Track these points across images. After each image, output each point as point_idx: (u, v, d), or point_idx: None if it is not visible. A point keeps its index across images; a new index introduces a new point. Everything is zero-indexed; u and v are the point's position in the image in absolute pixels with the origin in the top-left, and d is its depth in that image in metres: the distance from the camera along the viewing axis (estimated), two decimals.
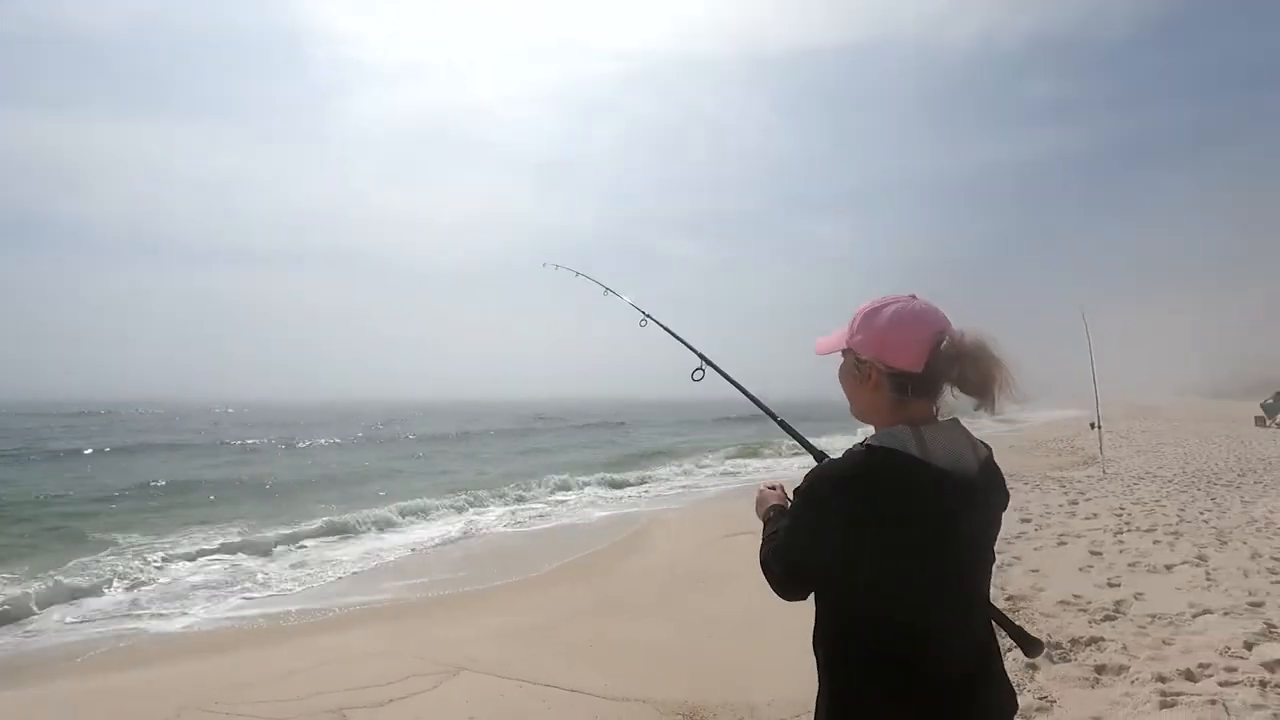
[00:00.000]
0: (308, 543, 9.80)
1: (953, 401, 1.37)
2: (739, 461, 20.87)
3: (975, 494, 1.30)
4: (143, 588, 7.62)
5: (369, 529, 10.77)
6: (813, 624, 1.37)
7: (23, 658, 5.73)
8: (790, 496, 1.49)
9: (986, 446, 1.40)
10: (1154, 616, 4.97)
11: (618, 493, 14.86)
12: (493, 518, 11.78)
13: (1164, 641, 4.47)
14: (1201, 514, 8.48)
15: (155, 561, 8.68)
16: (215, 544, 9.59)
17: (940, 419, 1.35)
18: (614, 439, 32.86)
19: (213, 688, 4.70)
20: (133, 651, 5.80)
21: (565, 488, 15.33)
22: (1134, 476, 12.49)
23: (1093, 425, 13.92)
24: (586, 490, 15.12)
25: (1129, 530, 7.70)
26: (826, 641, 1.34)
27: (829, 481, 1.28)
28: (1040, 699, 3.81)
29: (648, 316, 2.82)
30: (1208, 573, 5.92)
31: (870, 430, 1.39)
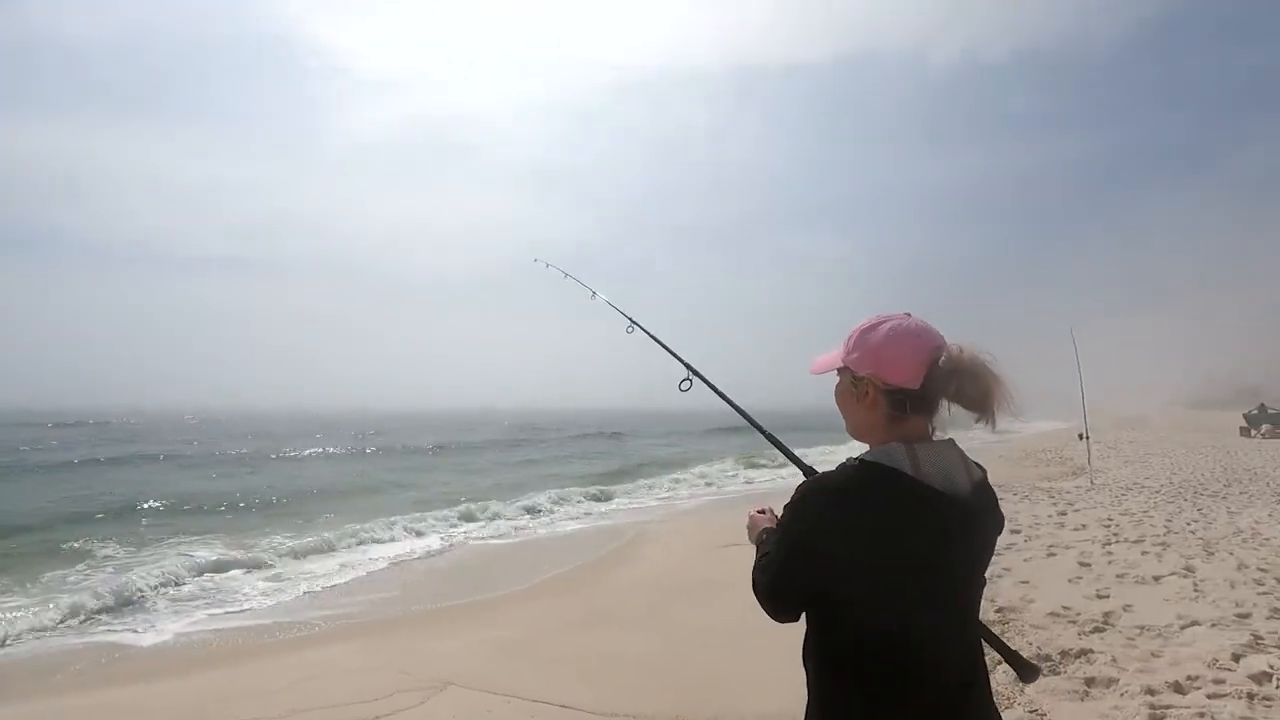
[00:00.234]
0: (290, 556, 9.67)
1: (949, 419, 1.36)
2: (733, 473, 20.82)
3: (966, 514, 1.28)
4: (118, 601, 7.44)
5: (353, 541, 10.64)
6: (802, 637, 1.36)
7: None
8: (780, 514, 1.47)
9: (981, 468, 1.39)
10: (1142, 628, 4.97)
11: (608, 504, 14.80)
12: (481, 530, 11.69)
13: (1153, 654, 4.47)
14: (1188, 525, 8.53)
15: (132, 575, 8.56)
16: (195, 556, 9.47)
17: (936, 438, 1.34)
18: (607, 450, 32.72)
19: (194, 704, 4.63)
20: (109, 668, 5.70)
21: (556, 499, 15.26)
22: (1122, 487, 12.57)
23: (1081, 436, 14.01)
24: (577, 502, 15.05)
25: (1117, 541, 7.73)
26: (816, 654, 1.32)
27: (821, 494, 1.27)
28: (1030, 712, 3.80)
29: (634, 323, 2.81)
30: (1195, 584, 5.94)
31: (864, 447, 1.38)
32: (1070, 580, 6.35)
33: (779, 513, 1.48)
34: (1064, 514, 9.56)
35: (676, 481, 18.83)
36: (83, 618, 6.94)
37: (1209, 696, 3.76)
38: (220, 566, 9.05)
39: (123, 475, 21.58)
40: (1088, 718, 3.73)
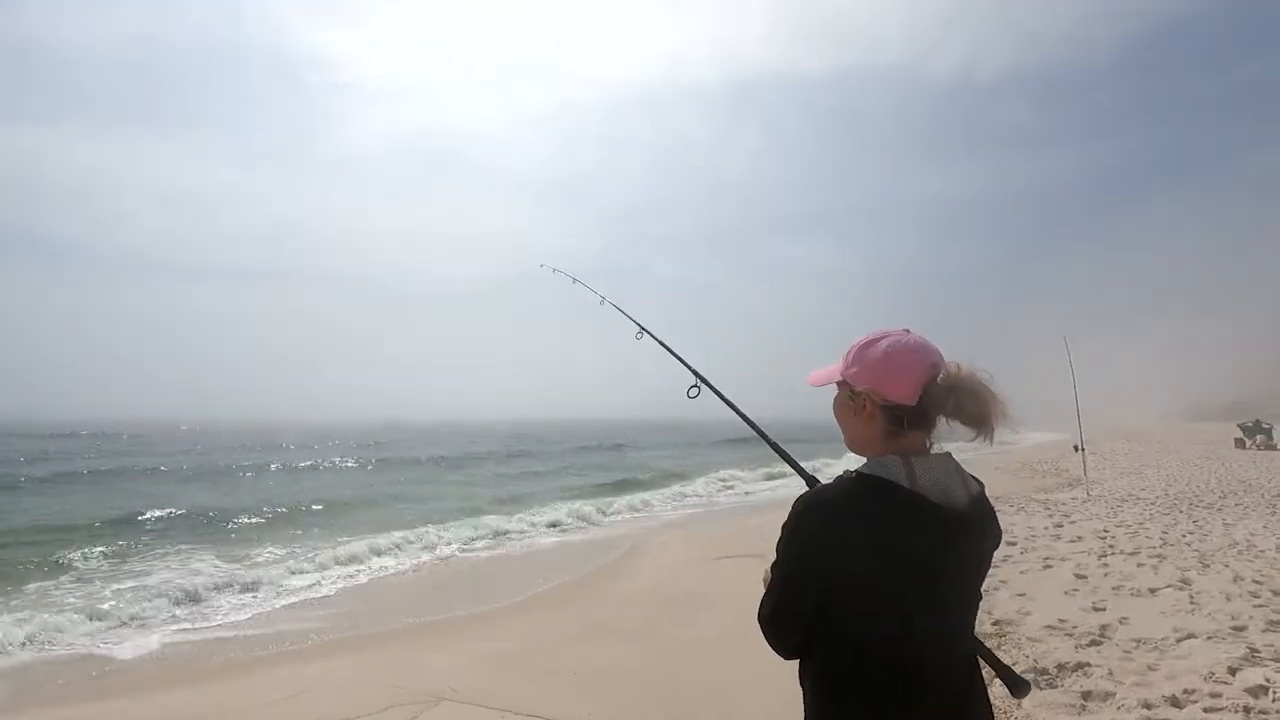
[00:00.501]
0: (283, 568, 9.60)
1: (946, 432, 1.36)
2: (732, 484, 20.76)
3: (963, 526, 1.29)
4: (103, 613, 7.37)
5: (347, 554, 10.58)
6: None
7: None
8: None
9: (979, 482, 1.39)
10: (1139, 641, 4.96)
11: (604, 516, 14.73)
12: (478, 542, 11.63)
13: (1149, 667, 4.46)
14: (1184, 536, 8.52)
15: (119, 586, 8.52)
16: (186, 567, 9.42)
17: (933, 451, 1.35)
18: (608, 461, 32.60)
19: (184, 718, 4.59)
20: (96, 680, 5.65)
21: (555, 511, 15.21)
22: (1118, 499, 12.56)
23: (1076, 448, 14.01)
24: (575, 513, 15.00)
25: (1113, 553, 7.72)
26: (813, 670, 1.32)
27: (818, 507, 1.28)
28: None
29: (643, 329, 2.81)
30: (1191, 596, 5.93)
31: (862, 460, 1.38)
32: (1066, 592, 6.33)
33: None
34: (1060, 526, 9.55)
35: (674, 493, 18.79)
36: (67, 629, 6.86)
37: (1205, 710, 3.75)
38: (211, 578, 8.97)
39: (117, 487, 21.47)
40: None
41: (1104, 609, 5.78)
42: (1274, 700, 3.81)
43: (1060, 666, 4.58)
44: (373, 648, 6.14)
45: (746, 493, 19.10)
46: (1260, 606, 5.58)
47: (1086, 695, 4.15)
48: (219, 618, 7.39)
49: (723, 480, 21.09)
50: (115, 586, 8.65)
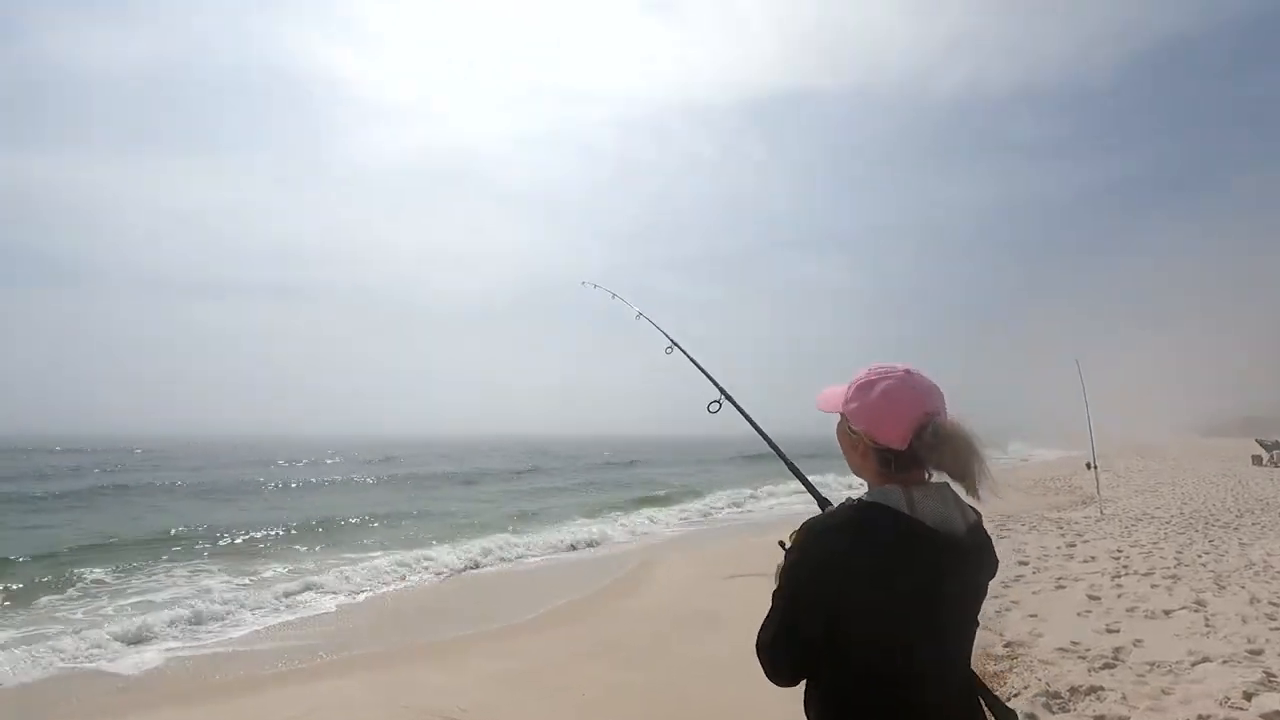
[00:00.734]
0: (292, 585, 9.62)
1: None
2: (741, 502, 20.67)
3: (961, 554, 1.33)
4: (115, 632, 7.34)
5: (358, 570, 10.61)
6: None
7: None
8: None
9: (976, 511, 1.42)
10: (1153, 664, 4.91)
11: (615, 533, 14.71)
12: (488, 559, 11.62)
13: (1163, 691, 4.42)
14: (1199, 557, 8.43)
15: (130, 604, 8.59)
16: (196, 586, 9.47)
17: (932, 480, 1.38)
18: (619, 478, 32.41)
19: None
20: (104, 699, 5.68)
21: (565, 527, 15.19)
22: (1132, 517, 12.44)
23: (1089, 465, 13.89)
24: (585, 530, 14.99)
25: (1127, 573, 7.64)
26: (817, 697, 1.35)
27: (824, 533, 1.32)
28: None
29: (674, 344, 2.91)
30: (1206, 618, 5.87)
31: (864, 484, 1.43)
32: (1079, 614, 6.28)
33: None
34: (1073, 545, 9.46)
35: (684, 510, 18.74)
36: (75, 647, 6.88)
37: None
38: (219, 595, 9.02)
39: (130, 503, 21.61)
40: None
41: (1117, 631, 5.73)
42: None
43: (1073, 690, 4.54)
44: (381, 666, 6.15)
45: (756, 510, 19.02)
46: (1277, 629, 5.51)
47: None
48: (226, 635, 7.42)
49: (733, 497, 21.01)
50: (123, 603, 8.73)
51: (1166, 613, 6.13)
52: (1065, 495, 18.44)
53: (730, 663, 5.58)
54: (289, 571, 10.63)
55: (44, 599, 8.98)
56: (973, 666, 4.60)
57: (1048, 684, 4.67)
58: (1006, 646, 5.53)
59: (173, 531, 14.61)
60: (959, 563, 1.32)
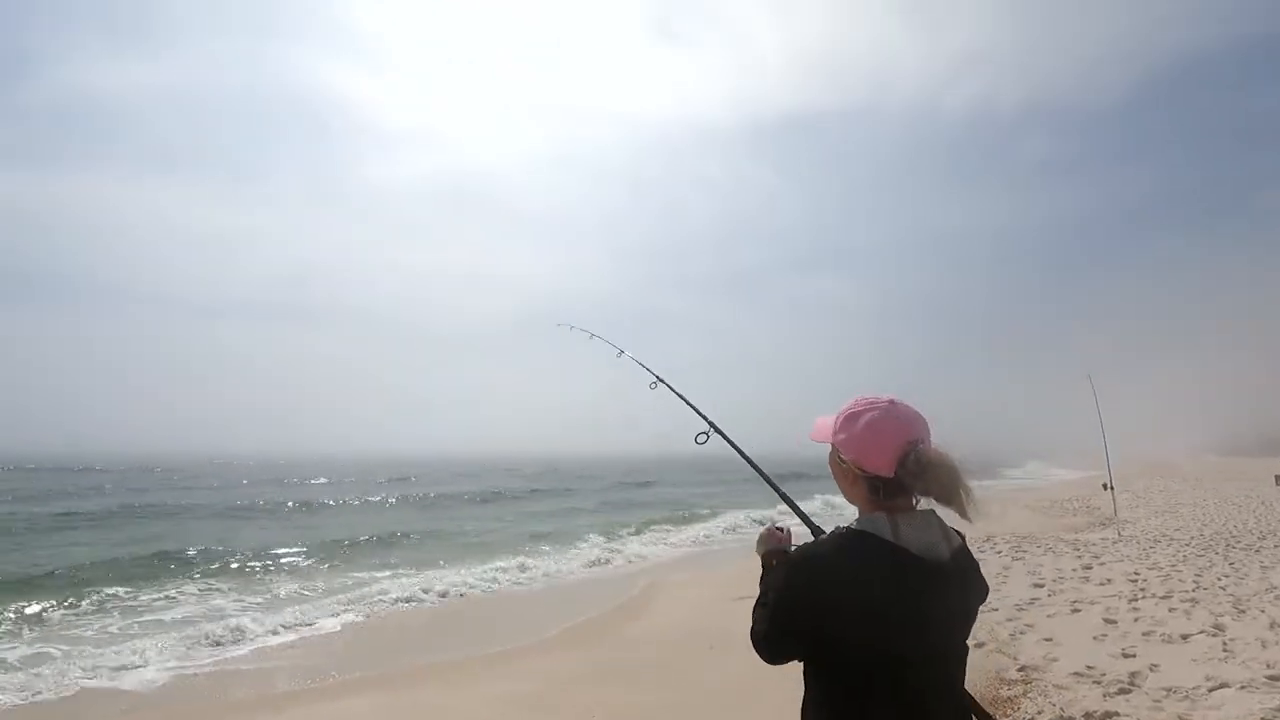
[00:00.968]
0: (303, 606, 9.67)
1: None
2: (754, 520, 20.53)
3: (944, 578, 1.37)
4: (126, 651, 7.45)
5: (369, 591, 10.64)
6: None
7: None
8: (791, 546, 1.59)
9: (960, 535, 1.46)
10: (1169, 690, 4.83)
11: (626, 554, 14.67)
12: (499, 579, 11.61)
13: (1179, 717, 4.35)
14: (1219, 580, 8.29)
15: (135, 624, 8.68)
16: (207, 605, 9.53)
17: (919, 508, 1.43)
18: (632, 498, 32.16)
19: None
20: (119, 717, 5.72)
21: (575, 549, 15.19)
22: (1150, 539, 12.26)
23: (1106, 486, 13.73)
24: (595, 551, 14.97)
25: (1144, 597, 7.53)
26: (812, 709, 1.41)
27: (815, 559, 1.38)
28: None
29: (659, 379, 2.92)
30: (1224, 643, 5.77)
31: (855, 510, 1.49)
32: (1095, 638, 6.19)
33: (794, 541, 1.58)
34: (1089, 567, 9.34)
35: (695, 531, 18.65)
36: (83, 664, 6.97)
37: None
38: (231, 615, 9.08)
39: (140, 522, 21.78)
40: None
41: (1134, 655, 5.64)
42: None
43: (1087, 715, 4.48)
44: (390, 687, 6.16)
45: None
46: None
47: None
48: (235, 654, 7.45)
49: (745, 518, 20.89)
50: (134, 621, 8.83)
51: (1184, 637, 6.03)
52: (1083, 516, 18.21)
53: (739, 686, 5.55)
54: (300, 591, 10.68)
55: (55, 617, 9.08)
56: (986, 691, 4.57)
57: (1062, 709, 4.62)
58: (1021, 671, 5.46)
59: (188, 551, 14.68)
60: (943, 587, 1.36)
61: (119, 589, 10.77)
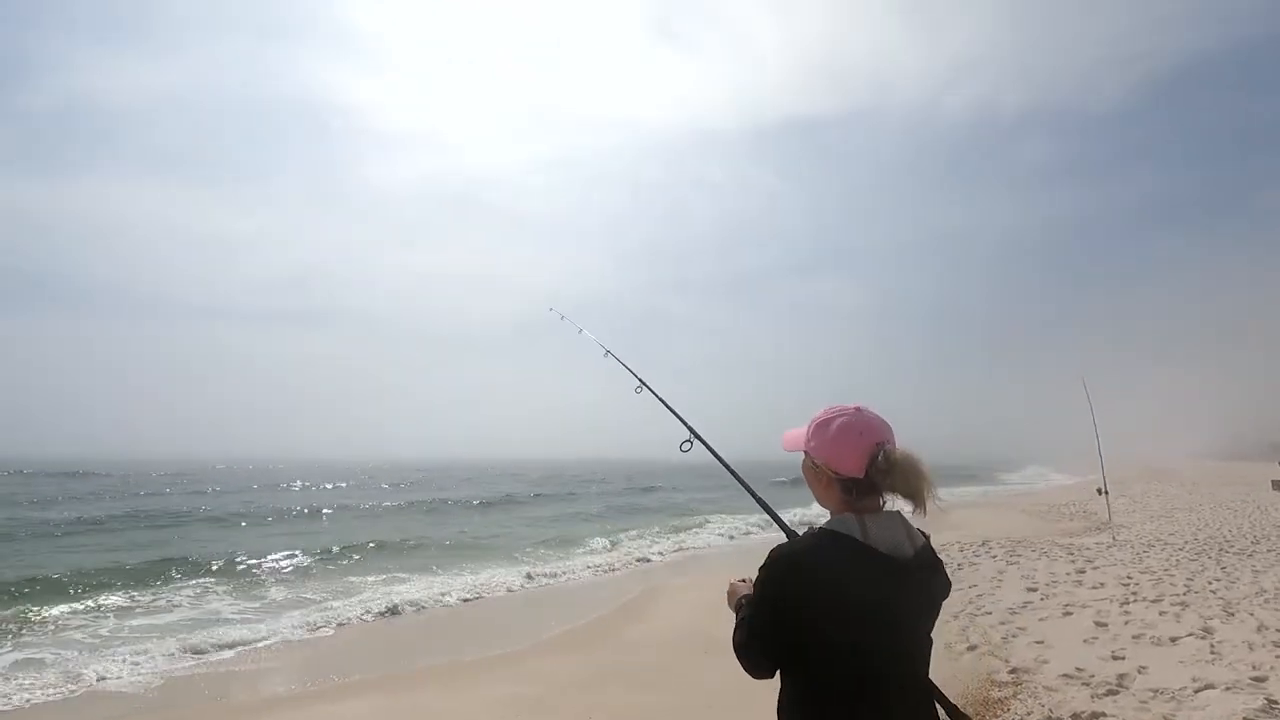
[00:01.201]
0: (302, 609, 9.76)
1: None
2: (757, 524, 20.60)
3: (908, 574, 1.49)
4: (110, 653, 7.57)
5: (370, 595, 10.74)
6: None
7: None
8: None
9: (924, 535, 1.59)
10: (1156, 691, 4.93)
11: (632, 556, 14.76)
12: (502, 582, 11.70)
13: (1164, 717, 4.45)
14: (1210, 584, 8.38)
15: (132, 626, 8.77)
16: (202, 610, 9.63)
17: (885, 509, 1.55)
18: (637, 503, 32.03)
19: None
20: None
21: (578, 552, 15.27)
22: (1144, 544, 12.35)
23: (1100, 491, 13.82)
24: (598, 555, 15.07)
25: (1135, 600, 7.62)
26: (788, 705, 1.52)
27: (789, 557, 1.49)
28: None
29: (643, 383, 2.96)
30: (1212, 646, 5.86)
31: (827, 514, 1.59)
32: (1086, 641, 6.28)
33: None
34: (1082, 572, 9.43)
35: (696, 535, 18.73)
36: (79, 667, 7.06)
37: None
38: (227, 616, 9.18)
39: (140, 527, 21.84)
40: None
41: (1123, 658, 5.73)
42: None
43: (1075, 716, 4.57)
44: (391, 690, 6.25)
45: (773, 535, 18.95)
46: None
47: None
48: (232, 656, 7.54)
49: (745, 524, 20.97)
50: (131, 623, 8.91)
51: (1173, 639, 6.13)
52: (1079, 521, 18.30)
53: (735, 690, 5.61)
54: (299, 596, 10.76)
55: (53, 621, 9.13)
56: (977, 693, 4.69)
57: (1050, 710, 4.71)
58: (1012, 673, 5.56)
59: (187, 556, 14.74)
60: (908, 582, 1.48)
61: (117, 593, 10.88)
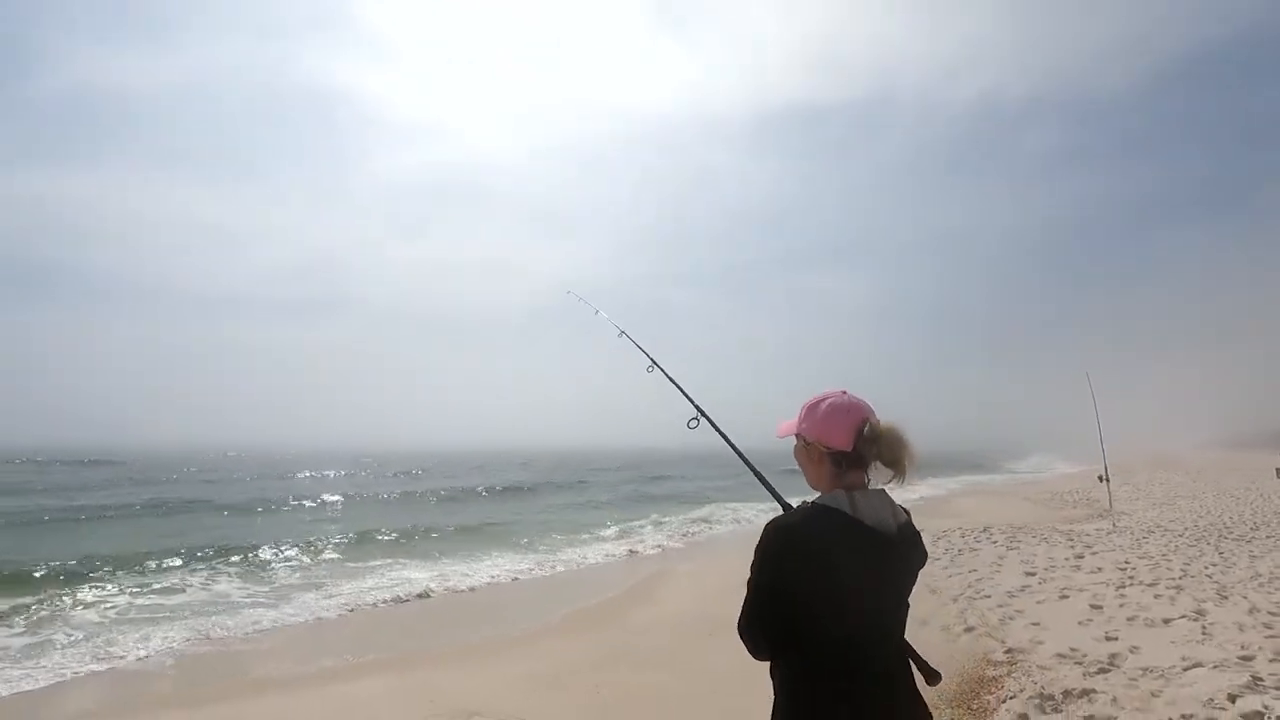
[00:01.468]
0: (315, 594, 10.00)
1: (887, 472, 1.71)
2: (768, 510, 20.81)
3: (891, 546, 1.67)
4: (122, 634, 7.80)
5: (384, 580, 10.97)
6: None
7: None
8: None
9: (906, 511, 1.77)
10: (1146, 669, 5.09)
11: (643, 541, 14.97)
12: (514, 568, 11.92)
13: (1152, 694, 4.61)
14: (1206, 569, 8.53)
15: (144, 606, 8.99)
16: (211, 593, 9.85)
17: (870, 488, 1.72)
18: (647, 490, 32.15)
19: None
20: (133, 698, 6.04)
21: (586, 537, 15.49)
22: (1144, 530, 12.50)
23: (1101, 478, 13.95)
24: (608, 541, 15.29)
25: (1131, 584, 7.78)
26: (781, 662, 1.68)
27: (783, 529, 1.65)
28: None
29: (654, 363, 3.13)
30: (1204, 627, 6.02)
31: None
32: (1080, 622, 6.45)
33: None
34: (1081, 557, 9.58)
35: (706, 520, 18.99)
36: (92, 648, 7.32)
37: None
38: (245, 602, 9.41)
39: (152, 514, 22.18)
40: None
41: (1116, 638, 5.89)
42: None
43: (1066, 693, 4.74)
44: (405, 669, 6.47)
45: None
46: (1272, 637, 5.66)
47: None
48: (247, 637, 7.78)
49: (755, 511, 21.18)
50: (146, 607, 9.17)
51: (1166, 621, 6.28)
52: (1082, 508, 18.44)
53: (740, 671, 5.80)
54: (310, 580, 11.00)
55: (71, 604, 9.34)
56: (973, 671, 4.90)
57: (1043, 687, 4.88)
58: (1007, 653, 5.73)
59: (199, 542, 15.00)
60: (891, 553, 1.66)
61: (132, 577, 11.13)
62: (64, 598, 9.60)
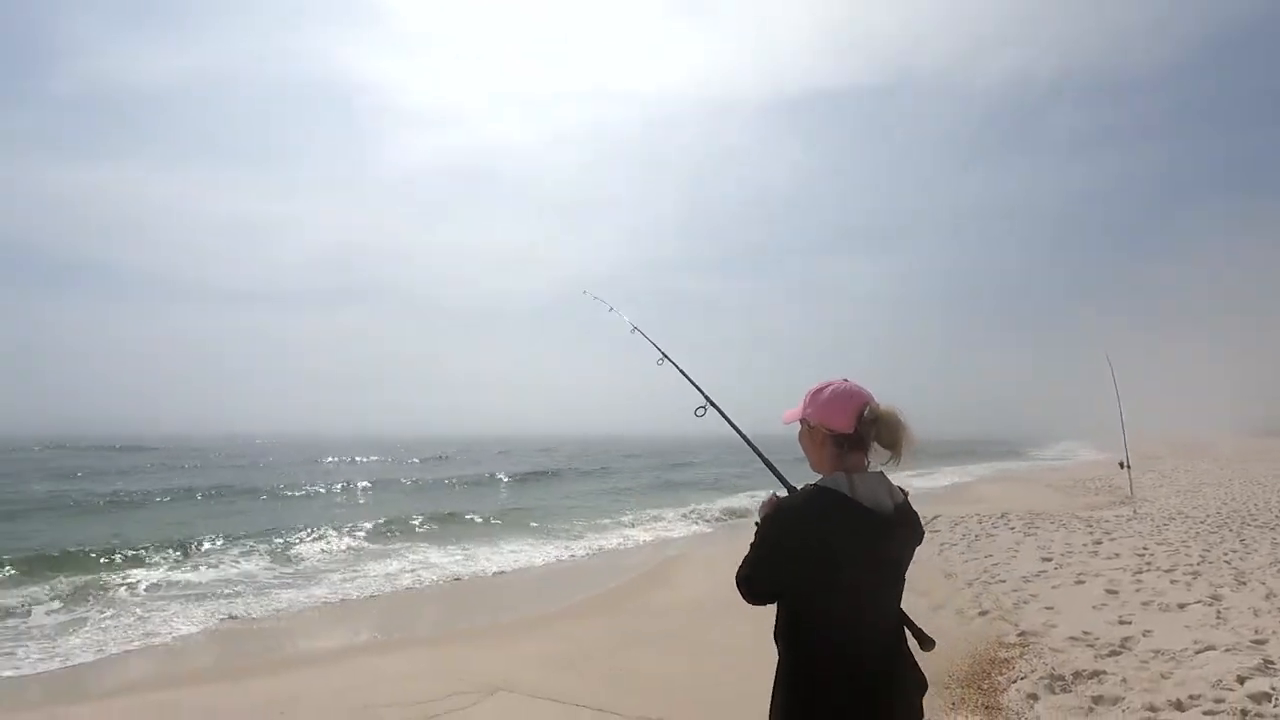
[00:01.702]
0: (342, 575, 10.29)
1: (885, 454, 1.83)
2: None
3: (889, 527, 1.78)
4: (155, 611, 8.12)
5: (411, 562, 11.25)
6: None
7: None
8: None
9: (904, 492, 1.88)
10: (1158, 652, 5.16)
11: (658, 528, 15.18)
12: (537, 553, 12.17)
13: (1162, 675, 4.69)
14: (1225, 556, 8.52)
15: (175, 585, 9.32)
16: (244, 573, 10.18)
17: (869, 470, 1.84)
18: (670, 478, 32.17)
19: (264, 704, 5.18)
20: (167, 669, 6.35)
21: (605, 523, 15.71)
22: (1165, 517, 12.44)
23: (1122, 465, 13.87)
24: (631, 527, 15.50)
25: (1149, 570, 7.81)
26: (784, 633, 1.82)
27: (786, 509, 1.79)
28: None
29: (665, 356, 3.21)
30: (1219, 612, 6.06)
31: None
32: (1095, 607, 6.52)
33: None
34: (1099, 543, 9.60)
35: (721, 508, 19.11)
36: (127, 625, 7.63)
37: (1205, 713, 4.00)
38: (273, 583, 9.71)
39: (182, 500, 22.76)
40: None
41: (1130, 622, 5.96)
42: (1275, 706, 4.03)
43: (1077, 674, 4.84)
44: (431, 645, 6.72)
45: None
46: None
47: (1097, 700, 4.42)
48: (279, 614, 8.08)
49: (774, 497, 21.27)
50: (175, 587, 9.47)
51: (1181, 606, 6.33)
52: (1104, 495, 18.34)
53: (754, 653, 5.94)
54: (338, 563, 11.30)
55: (105, 585, 9.56)
56: (985, 653, 5.06)
57: (1054, 669, 4.97)
58: (1020, 635, 5.83)
59: (228, 525, 15.42)
60: (888, 532, 1.77)
61: (164, 558, 11.46)
62: (104, 577, 9.93)
